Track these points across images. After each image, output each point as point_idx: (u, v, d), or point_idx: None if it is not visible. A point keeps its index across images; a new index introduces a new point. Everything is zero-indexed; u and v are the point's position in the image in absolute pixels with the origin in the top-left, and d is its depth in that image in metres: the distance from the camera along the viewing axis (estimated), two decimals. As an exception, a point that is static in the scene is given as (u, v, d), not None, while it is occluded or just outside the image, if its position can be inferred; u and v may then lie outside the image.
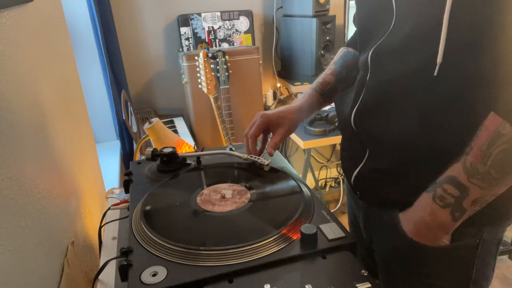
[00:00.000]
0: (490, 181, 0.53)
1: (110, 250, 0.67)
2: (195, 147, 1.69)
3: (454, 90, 0.56)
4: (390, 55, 0.63)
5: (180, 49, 2.02)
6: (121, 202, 0.78)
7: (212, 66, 1.74)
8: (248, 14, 2.12)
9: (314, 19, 1.92)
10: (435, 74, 0.56)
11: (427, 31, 0.57)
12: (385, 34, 0.64)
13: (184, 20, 2.02)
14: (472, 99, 0.55)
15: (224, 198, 0.64)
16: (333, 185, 2.71)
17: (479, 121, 0.53)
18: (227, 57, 1.79)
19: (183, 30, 2.03)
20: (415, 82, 0.60)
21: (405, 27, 0.61)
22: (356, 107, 0.69)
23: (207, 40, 2.08)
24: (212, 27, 2.07)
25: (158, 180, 0.73)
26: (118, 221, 0.74)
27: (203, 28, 2.06)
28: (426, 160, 0.60)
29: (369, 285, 0.46)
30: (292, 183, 0.68)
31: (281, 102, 2.31)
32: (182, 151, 1.00)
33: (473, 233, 0.63)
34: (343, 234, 0.54)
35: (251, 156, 0.77)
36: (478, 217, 0.58)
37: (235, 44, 2.14)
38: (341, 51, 0.92)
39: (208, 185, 0.69)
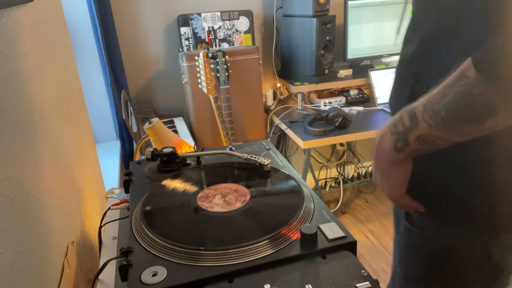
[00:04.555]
0: (437, 121, 0.51)
1: (110, 250, 0.67)
2: (195, 147, 1.69)
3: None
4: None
5: (180, 49, 2.02)
6: (121, 202, 0.78)
7: (212, 66, 1.74)
8: (248, 14, 2.12)
9: (314, 19, 1.92)
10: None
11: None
12: None
13: (184, 20, 2.02)
14: None
15: (224, 198, 0.64)
16: (333, 185, 2.71)
17: None
18: (227, 57, 1.79)
19: (183, 30, 2.03)
20: None
21: None
22: None
23: (207, 40, 2.08)
24: (212, 27, 2.07)
25: (158, 180, 0.73)
26: (118, 221, 0.74)
27: (203, 28, 2.06)
28: None
29: (369, 285, 0.46)
30: (292, 183, 0.68)
31: (281, 102, 2.31)
32: (182, 151, 1.00)
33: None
34: (343, 234, 0.54)
35: (251, 156, 0.77)
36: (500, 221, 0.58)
37: (235, 44, 2.14)
38: None
39: (208, 185, 0.69)
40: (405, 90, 0.65)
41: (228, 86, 1.80)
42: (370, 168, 2.77)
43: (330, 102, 2.13)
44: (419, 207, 0.64)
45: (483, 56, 0.46)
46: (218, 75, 1.78)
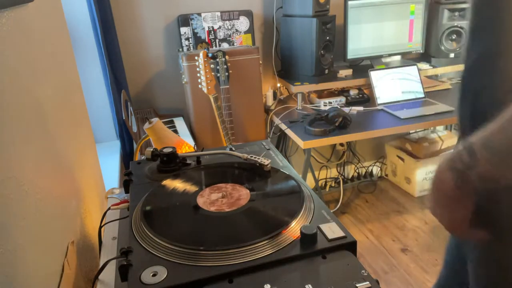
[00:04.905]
0: (497, 159, 0.48)
1: (110, 250, 0.67)
2: (195, 147, 1.69)
3: None
4: None
5: (180, 49, 2.02)
6: (121, 202, 0.78)
7: (212, 66, 1.74)
8: (248, 14, 2.12)
9: (314, 19, 1.92)
10: None
11: None
12: None
13: (184, 20, 2.02)
14: None
15: (224, 198, 0.64)
16: (333, 185, 2.71)
17: None
18: (227, 57, 1.79)
19: (183, 30, 2.03)
20: None
21: None
22: None
23: (207, 40, 2.08)
24: (212, 27, 2.07)
25: (158, 180, 0.73)
26: (118, 221, 0.74)
27: (203, 28, 2.06)
28: None
29: (369, 285, 0.46)
30: (292, 183, 0.68)
31: (281, 102, 2.31)
32: (182, 151, 1.00)
33: None
34: (343, 234, 0.54)
35: (251, 156, 0.77)
36: None
37: (235, 44, 2.14)
38: None
39: (208, 185, 0.69)
40: (466, 104, 0.63)
41: (228, 86, 1.80)
42: (370, 168, 2.77)
43: (330, 102, 2.13)
44: (484, 235, 0.61)
45: None
46: (218, 75, 1.78)
